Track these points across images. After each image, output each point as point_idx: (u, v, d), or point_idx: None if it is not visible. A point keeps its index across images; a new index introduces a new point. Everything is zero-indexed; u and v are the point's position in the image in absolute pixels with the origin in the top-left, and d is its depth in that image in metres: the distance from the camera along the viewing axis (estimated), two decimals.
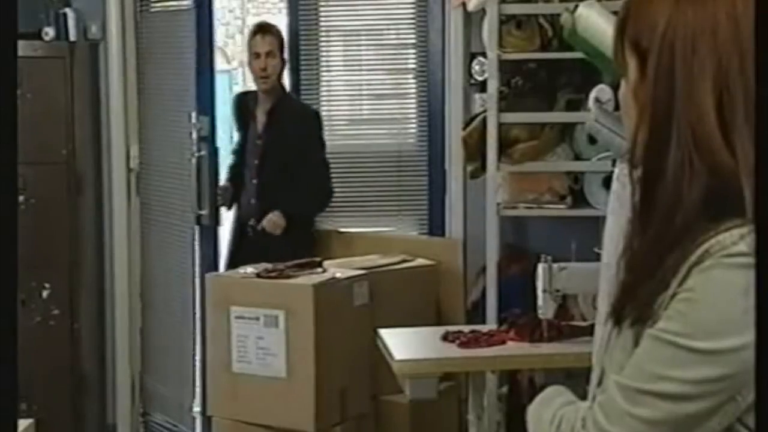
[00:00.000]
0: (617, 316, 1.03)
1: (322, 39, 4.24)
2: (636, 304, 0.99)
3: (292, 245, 3.69)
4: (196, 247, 3.99)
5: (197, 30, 3.88)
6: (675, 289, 0.96)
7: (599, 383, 1.08)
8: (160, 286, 4.12)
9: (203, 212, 3.88)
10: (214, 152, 3.91)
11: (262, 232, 3.79)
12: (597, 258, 2.93)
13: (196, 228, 3.96)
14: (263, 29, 3.91)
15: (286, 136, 3.82)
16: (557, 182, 3.63)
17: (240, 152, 3.98)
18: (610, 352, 1.06)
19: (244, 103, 4.00)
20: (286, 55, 3.90)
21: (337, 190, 4.22)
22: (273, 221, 3.78)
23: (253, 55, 3.85)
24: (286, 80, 4.02)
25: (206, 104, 3.91)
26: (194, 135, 3.86)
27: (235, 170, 3.99)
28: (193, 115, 3.85)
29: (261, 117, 3.88)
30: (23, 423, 2.36)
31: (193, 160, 3.85)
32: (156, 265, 4.15)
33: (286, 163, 3.80)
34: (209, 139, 3.89)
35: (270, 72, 3.83)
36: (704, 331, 0.93)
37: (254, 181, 3.86)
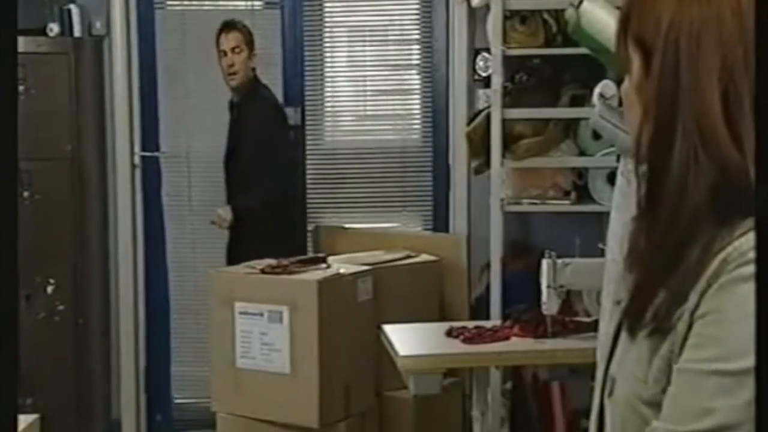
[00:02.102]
0: (632, 326, 1.00)
1: (327, 35, 4.24)
2: (653, 316, 0.97)
3: (257, 241, 3.71)
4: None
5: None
6: (695, 303, 0.93)
7: (610, 393, 1.05)
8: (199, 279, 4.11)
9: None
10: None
11: (229, 228, 3.82)
12: (601, 254, 2.94)
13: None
14: (228, 26, 3.88)
15: (248, 132, 3.82)
16: (561, 178, 3.62)
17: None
18: (621, 360, 1.04)
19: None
20: (256, 50, 3.87)
21: (341, 186, 4.22)
22: (219, 215, 3.82)
23: (221, 53, 3.85)
24: (288, 77, 4.02)
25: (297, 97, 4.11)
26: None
27: None
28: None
29: (231, 114, 3.92)
30: (28, 418, 2.36)
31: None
32: (195, 258, 4.12)
33: (249, 159, 3.80)
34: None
35: (237, 68, 3.81)
36: (743, 349, 0.88)
37: (224, 178, 3.92)
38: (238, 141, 3.85)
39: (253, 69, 3.87)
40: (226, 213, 3.81)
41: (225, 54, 3.83)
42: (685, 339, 0.95)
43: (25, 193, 3.65)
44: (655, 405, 0.97)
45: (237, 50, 3.81)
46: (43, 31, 3.74)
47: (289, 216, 4.00)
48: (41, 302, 3.73)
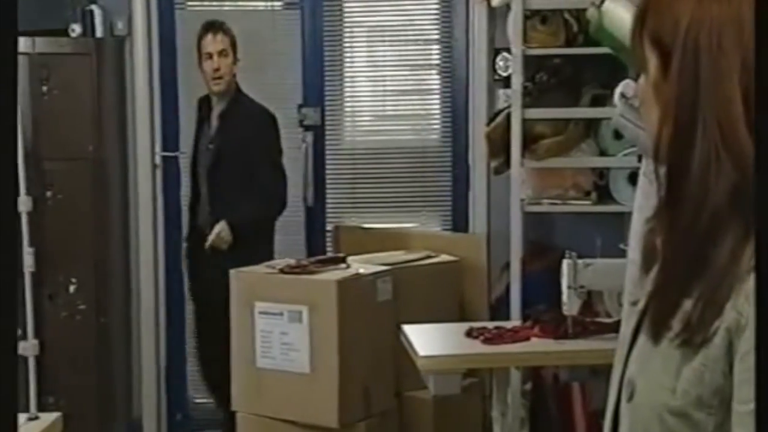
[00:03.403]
0: (656, 332, 0.99)
1: (347, 35, 4.24)
2: (684, 326, 0.95)
3: (248, 260, 3.47)
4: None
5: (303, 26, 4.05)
6: (735, 322, 0.91)
7: (630, 398, 1.04)
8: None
9: (309, 196, 4.08)
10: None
11: (211, 249, 3.63)
12: (622, 254, 2.92)
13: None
14: (214, 27, 3.71)
15: (239, 140, 3.63)
16: (582, 178, 3.61)
17: (194, 159, 3.82)
18: (643, 365, 1.03)
19: (203, 107, 3.82)
20: (239, 54, 3.73)
21: (360, 186, 4.22)
22: (220, 237, 3.60)
23: (205, 56, 3.67)
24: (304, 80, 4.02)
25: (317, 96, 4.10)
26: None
27: (193, 179, 3.83)
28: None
29: (214, 120, 3.73)
30: (50, 416, 2.38)
31: (303, 147, 4.02)
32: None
33: (238, 168, 3.62)
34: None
35: (223, 72, 3.65)
36: None
37: (204, 189, 3.71)
38: (227, 150, 3.65)
39: (234, 75, 3.73)
40: (226, 233, 3.60)
41: (210, 57, 3.66)
42: (726, 358, 0.92)
43: (48, 193, 3.68)
44: (683, 416, 0.96)
45: (224, 53, 3.66)
46: (65, 32, 3.76)
47: (271, 230, 3.78)
48: (63, 301, 3.75)
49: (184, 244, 3.93)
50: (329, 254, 3.89)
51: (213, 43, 3.66)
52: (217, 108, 3.72)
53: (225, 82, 3.67)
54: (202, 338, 3.93)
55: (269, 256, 3.64)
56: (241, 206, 3.60)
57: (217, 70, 3.65)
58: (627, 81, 2.88)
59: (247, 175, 3.61)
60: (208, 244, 3.63)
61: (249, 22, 4.25)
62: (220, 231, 3.61)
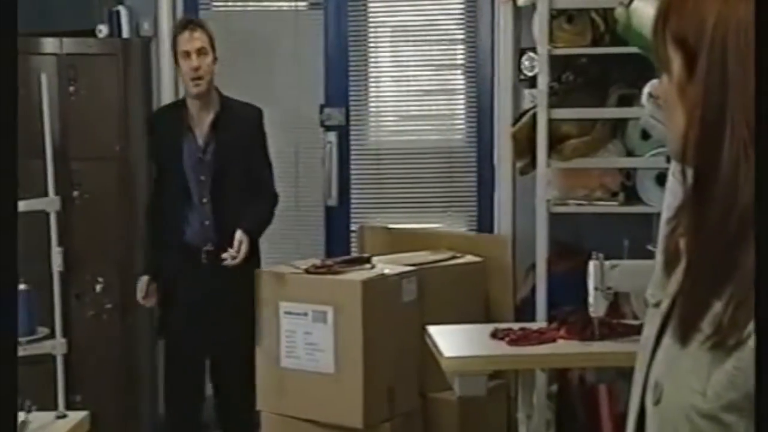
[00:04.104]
0: (684, 334, 0.98)
1: (371, 35, 4.24)
2: (716, 329, 0.94)
3: (249, 270, 3.31)
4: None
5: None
6: None
7: (657, 401, 1.03)
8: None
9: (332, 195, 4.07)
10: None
11: (216, 261, 3.25)
12: (649, 255, 2.89)
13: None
14: (191, 24, 3.41)
15: (238, 146, 3.36)
16: (609, 179, 3.58)
17: (170, 176, 3.40)
18: (670, 367, 1.01)
19: (169, 119, 3.46)
20: (217, 54, 3.42)
21: (385, 186, 4.21)
22: (239, 247, 3.23)
23: (182, 55, 3.35)
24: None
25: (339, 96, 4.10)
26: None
27: (156, 207, 3.47)
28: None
29: (201, 127, 3.37)
30: (78, 415, 2.40)
31: (327, 148, 4.01)
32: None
33: (241, 174, 3.35)
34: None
35: (203, 72, 3.33)
36: None
37: (205, 200, 3.35)
38: (228, 157, 3.35)
39: (213, 76, 3.40)
40: (246, 244, 3.24)
41: (187, 56, 3.34)
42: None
43: (75, 193, 3.70)
44: (713, 419, 0.95)
45: (203, 51, 3.34)
46: (92, 33, 3.79)
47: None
48: (90, 301, 3.78)
49: (168, 268, 3.40)
50: (354, 254, 3.88)
51: (191, 40, 3.33)
52: (202, 113, 3.37)
53: (205, 83, 3.34)
54: (226, 388, 3.50)
55: (259, 261, 3.44)
56: (250, 213, 3.33)
57: (196, 69, 3.31)
58: (655, 81, 2.85)
59: (249, 179, 3.37)
60: (237, 259, 3.22)
61: (273, 22, 4.26)
62: (241, 242, 3.23)
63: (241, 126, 3.40)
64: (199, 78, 3.33)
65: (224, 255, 3.23)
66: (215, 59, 3.39)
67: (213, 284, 3.31)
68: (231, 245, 3.22)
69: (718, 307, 0.94)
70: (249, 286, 3.37)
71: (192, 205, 3.37)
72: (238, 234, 3.24)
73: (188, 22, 3.46)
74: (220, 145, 3.36)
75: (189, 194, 3.37)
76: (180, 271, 3.38)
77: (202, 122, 3.38)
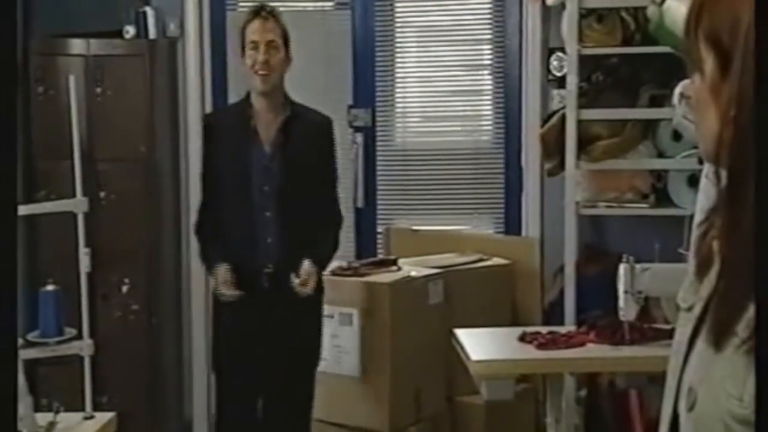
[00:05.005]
0: (719, 338, 0.96)
1: (398, 35, 4.21)
2: (752, 332, 0.92)
3: (315, 300, 2.98)
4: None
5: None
6: None
7: (691, 407, 1.01)
8: None
9: (359, 197, 4.05)
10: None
11: (280, 286, 2.87)
12: (681, 259, 2.85)
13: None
14: (265, 12, 2.98)
15: (305, 154, 2.99)
16: (639, 180, 3.54)
17: (229, 186, 2.99)
18: (705, 373, 0.99)
19: (231, 120, 3.07)
20: (291, 53, 3.03)
21: (412, 187, 4.18)
22: (307, 279, 2.86)
23: (249, 45, 2.94)
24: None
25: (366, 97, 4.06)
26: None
27: (210, 215, 3.03)
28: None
29: (268, 132, 2.98)
30: (105, 416, 2.40)
31: (354, 149, 3.99)
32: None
33: (307, 187, 2.96)
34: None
35: (274, 66, 2.91)
36: None
37: (268, 214, 2.94)
38: (293, 167, 2.97)
39: (283, 75, 3.01)
40: (314, 275, 2.87)
41: (255, 46, 2.93)
42: None
43: (101, 194, 3.71)
44: (751, 424, 0.93)
45: (273, 45, 2.94)
46: (119, 34, 3.80)
47: None
48: (116, 302, 3.78)
49: (229, 293, 2.90)
50: (380, 256, 3.86)
51: (261, 31, 2.93)
52: (268, 115, 2.98)
53: (273, 79, 2.93)
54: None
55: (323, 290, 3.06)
56: (320, 241, 2.96)
57: (265, 62, 2.91)
58: (687, 81, 2.80)
59: (318, 195, 2.99)
60: (304, 293, 2.86)
61: (299, 22, 4.24)
62: (310, 274, 2.86)
63: (312, 134, 3.01)
64: (268, 73, 2.91)
65: (295, 280, 2.83)
66: (289, 59, 2.98)
67: (275, 313, 2.89)
68: (294, 270, 2.85)
69: (753, 310, 0.91)
70: (316, 319, 3.03)
71: (252, 220, 2.94)
72: (307, 265, 2.85)
73: (260, 8, 3.01)
74: (289, 154, 2.95)
75: (250, 207, 2.94)
76: (241, 296, 2.91)
77: (269, 126, 2.97)
